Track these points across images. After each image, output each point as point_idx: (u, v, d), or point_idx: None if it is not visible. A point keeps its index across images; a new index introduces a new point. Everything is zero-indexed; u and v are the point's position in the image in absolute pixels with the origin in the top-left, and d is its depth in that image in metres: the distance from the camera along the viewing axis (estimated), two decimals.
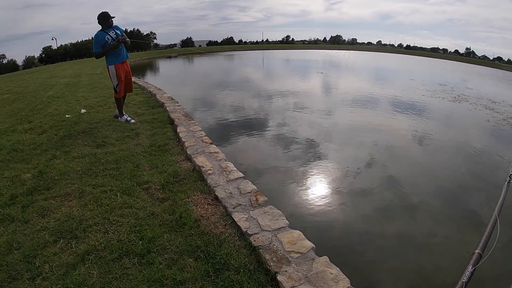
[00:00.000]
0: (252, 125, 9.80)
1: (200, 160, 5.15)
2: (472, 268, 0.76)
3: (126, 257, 2.96)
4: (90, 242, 3.15)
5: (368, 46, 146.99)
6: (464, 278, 0.72)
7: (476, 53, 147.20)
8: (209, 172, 4.76)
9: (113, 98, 8.11)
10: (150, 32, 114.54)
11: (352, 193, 5.80)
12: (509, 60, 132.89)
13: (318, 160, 7.23)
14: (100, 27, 6.99)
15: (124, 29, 7.62)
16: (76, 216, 3.60)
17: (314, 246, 3.15)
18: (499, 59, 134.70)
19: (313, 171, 6.61)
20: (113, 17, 7.11)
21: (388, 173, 6.80)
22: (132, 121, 7.61)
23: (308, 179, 6.26)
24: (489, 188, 6.67)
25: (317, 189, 5.88)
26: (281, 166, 6.75)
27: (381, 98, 15.73)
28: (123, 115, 7.74)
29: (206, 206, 3.90)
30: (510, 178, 1.52)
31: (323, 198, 5.52)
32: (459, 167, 7.70)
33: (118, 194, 4.09)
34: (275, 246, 3.11)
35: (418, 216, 5.37)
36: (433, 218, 5.31)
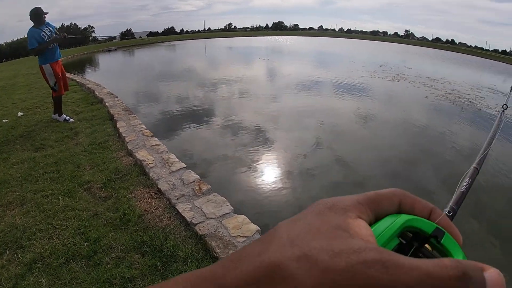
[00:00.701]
0: (198, 115, 9.69)
1: (141, 154, 5.05)
2: (469, 180, 0.78)
3: (73, 261, 2.88)
4: (35, 250, 3.03)
5: (310, 32, 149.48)
6: (462, 188, 0.73)
7: (415, 35, 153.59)
8: (151, 165, 4.69)
9: (51, 98, 7.71)
10: (88, 25, 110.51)
11: (302, 174, 5.90)
12: (447, 40, 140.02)
13: (266, 145, 7.28)
14: (32, 24, 6.60)
15: (60, 25, 7.22)
16: (19, 225, 3.44)
17: (260, 228, 3.20)
18: (438, 40, 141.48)
19: (261, 156, 6.67)
20: (46, 13, 6.73)
21: (335, 153, 7.00)
22: (71, 120, 7.29)
23: (257, 164, 6.30)
24: (432, 159, 7.02)
25: (267, 174, 5.95)
26: (229, 154, 6.74)
27: (324, 81, 16.08)
28: (62, 114, 7.40)
29: (149, 200, 3.85)
30: (503, 108, 1.57)
31: (272, 182, 5.58)
32: (401, 141, 8.06)
33: (60, 198, 3.95)
34: (220, 233, 3.13)
35: (368, 190, 5.54)
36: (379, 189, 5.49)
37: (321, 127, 8.52)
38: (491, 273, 0.28)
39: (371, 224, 0.34)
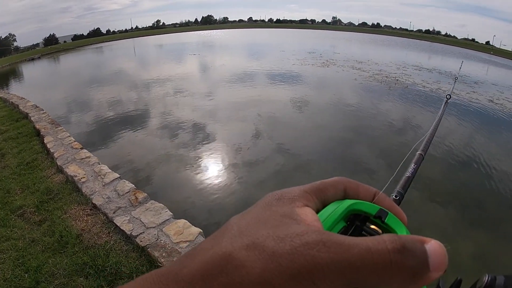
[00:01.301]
0: (133, 119, 9.40)
1: (72, 170, 4.83)
2: (414, 165, 0.80)
3: None
4: None
5: (240, 24, 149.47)
6: (408, 174, 0.75)
7: (342, 21, 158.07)
8: (83, 180, 4.51)
9: None
10: (9, 34, 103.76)
11: (246, 166, 5.95)
12: (373, 24, 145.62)
13: (207, 141, 7.26)
14: None
15: None
16: None
17: (202, 230, 3.19)
18: (364, 24, 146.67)
19: (202, 154, 6.62)
20: None
21: (276, 141, 7.12)
22: None
23: (198, 163, 6.25)
24: (367, 138, 7.31)
25: (209, 171, 5.93)
26: (169, 156, 6.64)
27: (257, 72, 16.21)
28: None
29: (85, 218, 3.69)
30: (447, 98, 1.64)
31: (216, 179, 5.57)
32: (337, 124, 8.32)
33: None
34: (162, 241, 3.08)
35: (312, 173, 5.69)
36: (323, 171, 5.65)
37: (259, 118, 8.60)
38: (432, 245, 0.30)
39: (318, 211, 0.35)
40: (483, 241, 5.45)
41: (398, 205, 0.57)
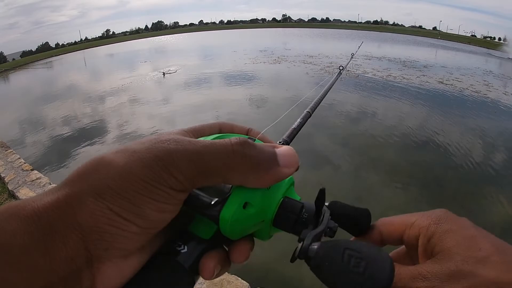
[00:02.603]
0: (89, 133, 9.15)
1: (23, 193, 4.69)
2: (301, 120, 0.89)
3: None
4: None
5: (191, 28, 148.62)
6: (294, 125, 0.84)
7: (292, 18, 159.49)
8: None
9: None
10: None
11: None
12: (322, 19, 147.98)
13: None
14: None
15: None
16: None
17: None
18: (314, 19, 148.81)
19: None
20: None
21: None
22: None
23: None
24: (325, 128, 7.49)
25: None
26: None
27: (211, 74, 16.14)
28: None
29: None
30: (339, 69, 1.74)
31: None
32: (293, 117, 8.46)
33: None
34: None
35: None
36: None
37: (219, 119, 8.62)
38: (283, 148, 0.38)
39: None
40: None
41: None
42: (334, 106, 9.98)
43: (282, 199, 0.40)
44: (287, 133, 0.82)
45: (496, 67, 33.60)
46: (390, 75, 16.74)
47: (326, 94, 1.30)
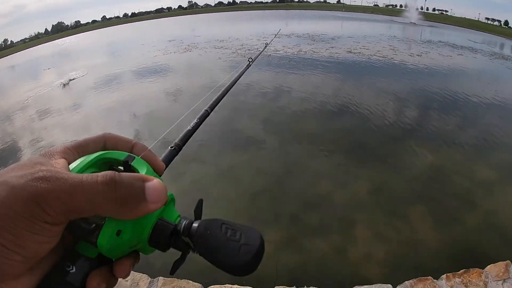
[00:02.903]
0: (1, 158, 8.41)
1: None
2: (197, 120, 0.80)
3: None
4: None
5: (94, 25, 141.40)
6: (189, 127, 0.76)
7: (198, 4, 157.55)
8: None
9: None
10: None
11: None
12: (229, 2, 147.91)
13: None
14: None
15: None
16: None
17: None
18: (220, 3, 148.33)
19: None
20: None
21: (158, 136, 6.91)
22: None
23: None
24: (248, 110, 7.48)
25: None
26: None
27: (121, 72, 15.40)
28: None
29: None
30: (249, 61, 1.64)
31: None
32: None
33: None
34: None
35: (205, 160, 5.64)
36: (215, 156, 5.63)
37: (137, 118, 8.29)
38: (152, 182, 0.39)
39: None
40: (374, 176, 6.01)
41: (176, 154, 0.70)
42: (251, 87, 10.03)
43: (155, 221, 0.42)
44: (180, 136, 0.79)
45: (400, 32, 35.84)
46: (301, 51, 17.14)
47: (229, 90, 1.25)
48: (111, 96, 11.48)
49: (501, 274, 3.55)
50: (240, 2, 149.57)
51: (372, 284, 3.23)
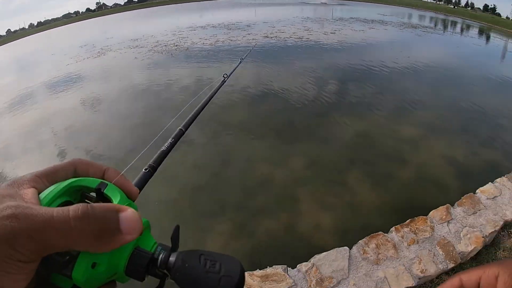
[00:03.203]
0: None
1: None
2: (172, 140, 0.75)
3: None
4: None
5: None
6: (163, 148, 0.71)
7: (107, 4, 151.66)
8: None
9: None
10: None
11: None
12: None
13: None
14: None
15: None
16: None
17: None
18: (130, 1, 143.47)
19: None
20: None
21: (82, 150, 6.65)
22: None
23: None
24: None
25: None
26: None
27: (35, 88, 14.26)
28: None
29: None
30: (224, 77, 1.55)
31: None
32: (140, 108, 8.10)
33: None
34: None
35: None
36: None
37: (57, 136, 7.79)
38: (127, 213, 0.38)
39: None
40: (308, 151, 6.23)
41: (150, 177, 0.67)
42: (173, 84, 9.85)
43: (132, 251, 0.40)
44: (155, 157, 0.76)
45: (312, 13, 36.85)
46: (218, 41, 17.11)
47: (204, 107, 1.21)
48: (27, 116, 10.64)
49: (444, 217, 3.97)
50: None
51: (329, 250, 3.35)
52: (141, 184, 0.63)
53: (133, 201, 0.45)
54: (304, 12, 37.84)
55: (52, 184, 0.41)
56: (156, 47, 15.93)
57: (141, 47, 16.20)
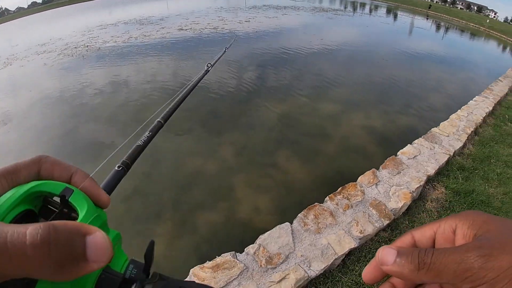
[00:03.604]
0: None
1: None
2: (149, 133, 0.73)
3: None
4: None
5: None
6: (139, 142, 0.68)
7: (10, 8, 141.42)
8: None
9: None
10: None
11: None
12: (43, 1, 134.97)
13: None
14: None
15: None
16: None
17: None
18: (35, 3, 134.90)
19: None
20: None
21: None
22: None
23: None
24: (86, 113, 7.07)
25: None
26: None
27: None
28: None
29: None
30: (207, 66, 1.51)
31: None
32: (64, 123, 7.71)
33: None
34: None
35: None
36: None
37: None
38: (94, 237, 0.32)
39: None
40: (235, 139, 6.40)
41: (123, 175, 0.62)
42: (85, 88, 9.49)
43: (99, 274, 0.36)
44: (129, 152, 0.70)
45: (225, 3, 36.81)
46: (131, 37, 16.68)
47: (185, 98, 1.19)
48: None
49: (371, 180, 4.30)
50: None
51: (272, 229, 3.44)
52: (113, 185, 0.59)
53: (103, 209, 0.42)
54: (218, 2, 37.78)
55: (13, 185, 0.37)
56: (66, 50, 15.17)
57: (49, 52, 15.32)
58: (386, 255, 0.38)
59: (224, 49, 2.25)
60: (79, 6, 59.76)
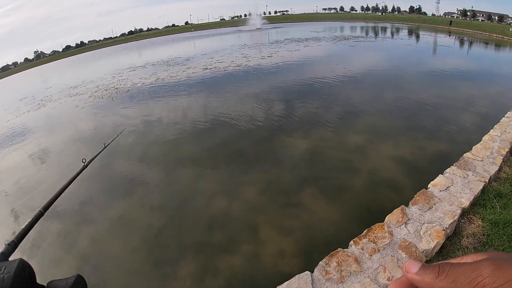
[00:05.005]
0: None
1: None
2: (31, 220, 0.87)
3: None
4: None
5: None
6: (23, 226, 0.83)
7: (45, 52, 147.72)
8: None
9: None
10: None
11: None
12: (77, 44, 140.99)
13: None
14: None
15: None
16: None
17: None
18: (69, 47, 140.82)
19: None
20: None
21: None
22: None
23: None
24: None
25: None
26: None
27: None
28: None
29: None
30: (83, 162, 1.64)
31: None
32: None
33: None
34: None
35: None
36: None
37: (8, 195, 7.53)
38: None
39: None
40: (260, 177, 6.32)
41: (12, 251, 0.66)
42: (118, 128, 9.84)
43: None
44: (17, 234, 0.77)
45: (249, 39, 37.55)
46: (158, 78, 17.21)
47: (63, 191, 1.21)
48: None
49: (400, 219, 3.91)
50: (89, 42, 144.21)
51: (291, 278, 3.22)
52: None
53: None
54: (241, 39, 38.57)
55: None
56: (96, 92, 15.83)
57: (80, 94, 16.00)
58: (412, 264, 0.41)
59: (103, 145, 2.22)
60: (111, 49, 61.90)
